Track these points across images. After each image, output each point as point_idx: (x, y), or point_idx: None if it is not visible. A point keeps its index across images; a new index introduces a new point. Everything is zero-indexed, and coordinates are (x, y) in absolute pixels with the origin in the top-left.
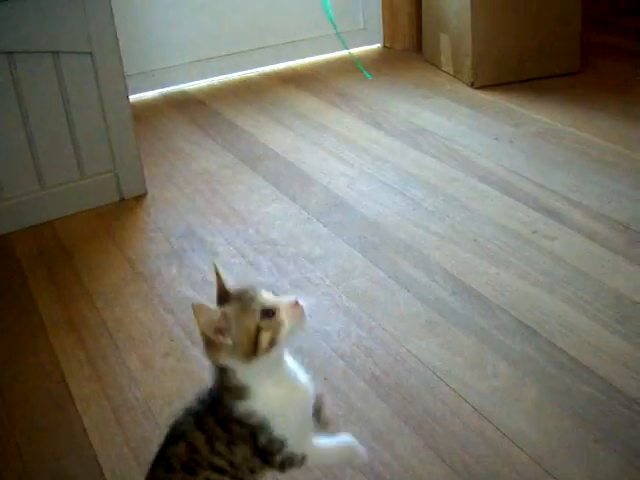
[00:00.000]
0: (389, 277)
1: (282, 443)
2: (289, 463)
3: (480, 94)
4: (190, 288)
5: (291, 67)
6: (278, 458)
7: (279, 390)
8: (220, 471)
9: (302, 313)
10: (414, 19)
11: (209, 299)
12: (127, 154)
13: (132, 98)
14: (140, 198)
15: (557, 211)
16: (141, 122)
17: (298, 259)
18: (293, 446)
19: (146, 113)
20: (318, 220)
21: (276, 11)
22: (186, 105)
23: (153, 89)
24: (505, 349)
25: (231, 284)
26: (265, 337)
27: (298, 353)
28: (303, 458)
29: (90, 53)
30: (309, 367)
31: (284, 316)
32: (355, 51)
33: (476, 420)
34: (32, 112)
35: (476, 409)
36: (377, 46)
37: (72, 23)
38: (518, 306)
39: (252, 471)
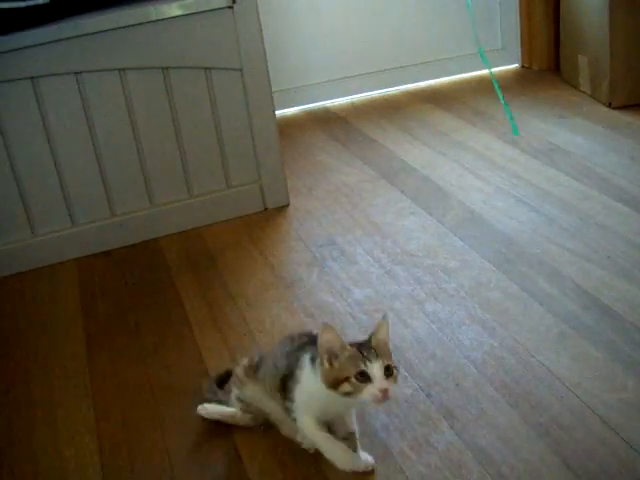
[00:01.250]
0: (522, 290)
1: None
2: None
3: (617, 114)
4: (330, 295)
5: (430, 86)
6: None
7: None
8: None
9: (381, 401)
10: (552, 40)
11: (347, 305)
12: (272, 166)
13: (276, 113)
14: (283, 208)
15: None
16: (284, 137)
17: (434, 270)
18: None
19: (289, 128)
20: (454, 234)
21: (416, 31)
22: (327, 121)
23: (296, 105)
24: (635, 364)
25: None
26: (345, 388)
27: (431, 359)
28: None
29: (240, 70)
30: (442, 373)
31: (368, 390)
32: (493, 71)
33: (603, 431)
34: (184, 124)
35: (604, 420)
36: (515, 66)
37: (224, 41)
38: None
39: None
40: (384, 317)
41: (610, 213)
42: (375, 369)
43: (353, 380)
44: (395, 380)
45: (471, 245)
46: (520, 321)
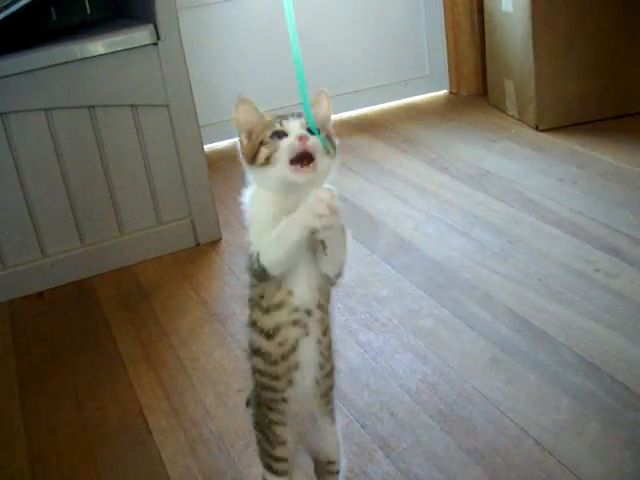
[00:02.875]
0: (454, 316)
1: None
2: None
3: (545, 136)
4: None
5: (360, 114)
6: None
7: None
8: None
9: (300, 147)
10: (479, 65)
11: None
12: (202, 201)
13: (206, 147)
14: (215, 243)
15: (620, 249)
16: (215, 170)
17: (366, 300)
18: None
19: (221, 161)
20: (386, 262)
21: (343, 61)
22: None
23: (227, 138)
24: (567, 385)
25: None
26: (263, 152)
27: (365, 389)
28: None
29: (167, 106)
30: (376, 403)
31: (285, 143)
32: (421, 98)
33: (538, 453)
34: (112, 162)
35: (538, 442)
36: (443, 92)
37: (150, 78)
38: (581, 343)
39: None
40: (324, 92)
41: (540, 236)
42: (292, 125)
43: (268, 139)
44: (333, 152)
45: (403, 273)
46: (453, 347)
